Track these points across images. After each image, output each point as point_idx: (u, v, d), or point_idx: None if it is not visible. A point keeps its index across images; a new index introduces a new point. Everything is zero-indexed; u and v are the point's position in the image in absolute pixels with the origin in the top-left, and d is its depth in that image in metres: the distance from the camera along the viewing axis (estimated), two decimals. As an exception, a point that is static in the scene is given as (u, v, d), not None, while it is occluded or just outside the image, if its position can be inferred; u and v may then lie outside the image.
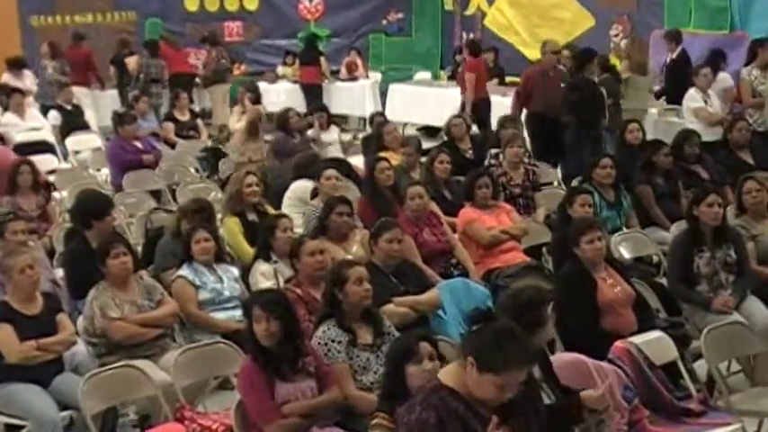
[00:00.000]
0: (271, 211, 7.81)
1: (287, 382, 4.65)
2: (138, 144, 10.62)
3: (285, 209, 8.24)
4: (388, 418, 4.10)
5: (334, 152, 11.11)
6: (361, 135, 12.83)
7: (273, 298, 4.85)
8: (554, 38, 15.73)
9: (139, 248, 7.19)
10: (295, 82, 16.56)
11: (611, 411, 4.67)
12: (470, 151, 10.05)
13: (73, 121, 12.95)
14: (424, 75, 17.69)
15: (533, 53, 16.39)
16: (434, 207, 7.54)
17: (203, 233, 6.43)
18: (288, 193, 8.59)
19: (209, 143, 12.15)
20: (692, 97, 10.50)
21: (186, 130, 12.53)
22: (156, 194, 9.60)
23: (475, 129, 11.62)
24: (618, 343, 5.13)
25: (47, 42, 15.33)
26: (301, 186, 8.52)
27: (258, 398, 4.61)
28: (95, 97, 15.33)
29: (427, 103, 14.96)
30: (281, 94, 16.44)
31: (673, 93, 11.83)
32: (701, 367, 5.64)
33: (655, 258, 7.50)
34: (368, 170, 8.38)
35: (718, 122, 10.17)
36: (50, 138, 12.49)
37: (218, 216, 7.53)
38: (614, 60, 12.69)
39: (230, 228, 7.44)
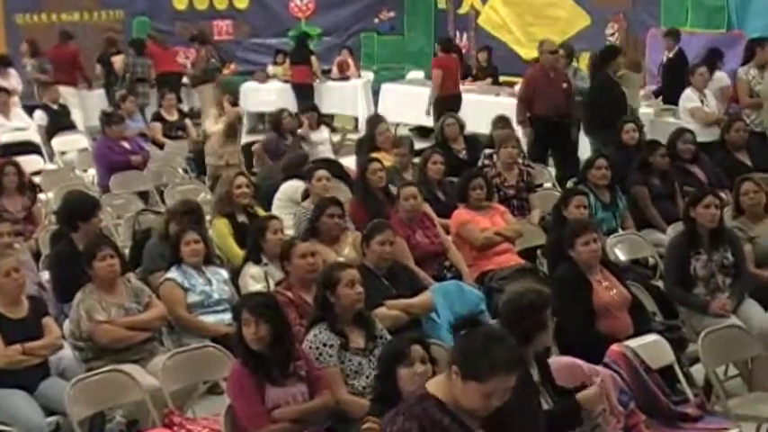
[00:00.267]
0: (261, 212, 7.81)
1: (277, 387, 4.64)
2: (126, 144, 10.60)
3: (275, 210, 8.24)
4: (380, 421, 4.10)
5: (325, 152, 11.10)
6: (349, 135, 12.82)
7: (263, 301, 4.84)
8: (549, 37, 15.84)
9: (127, 251, 7.18)
10: (286, 81, 16.53)
11: (606, 416, 4.67)
12: (464, 152, 10.05)
13: (59, 121, 12.94)
14: (417, 74, 17.67)
15: (527, 52, 16.42)
16: (427, 208, 7.55)
17: (193, 235, 6.42)
18: (278, 194, 8.59)
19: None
20: (689, 97, 10.50)
21: (174, 130, 12.51)
22: (143, 196, 9.60)
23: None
24: (614, 346, 5.14)
25: (26, 40, 15.29)
26: (291, 187, 8.53)
27: (248, 403, 4.60)
28: (82, 97, 15.30)
29: (420, 102, 14.90)
30: (271, 94, 16.43)
31: (669, 92, 11.84)
32: (697, 371, 5.65)
33: (651, 260, 7.51)
34: (360, 171, 8.38)
35: (714, 122, 10.17)
36: (36, 138, 12.47)
37: (207, 218, 7.52)
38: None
39: (220, 229, 7.44)
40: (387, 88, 16.32)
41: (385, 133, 9.98)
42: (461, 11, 18.18)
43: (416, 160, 9.05)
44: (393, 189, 7.93)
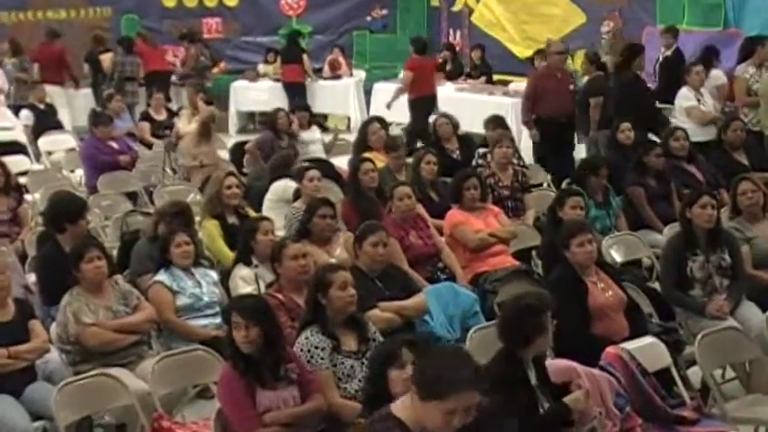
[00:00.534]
0: (251, 213, 7.80)
1: (268, 390, 4.64)
2: (114, 144, 10.59)
3: (266, 211, 8.24)
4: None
5: (316, 152, 11.10)
6: (342, 135, 12.82)
7: (253, 304, 4.84)
8: (543, 34, 15.87)
9: (115, 252, 7.16)
10: (277, 80, 16.53)
11: (602, 419, 4.68)
12: (457, 152, 10.06)
13: (46, 121, 12.92)
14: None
15: (521, 50, 16.48)
16: (421, 209, 7.54)
17: (183, 236, 6.41)
18: (268, 195, 8.59)
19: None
20: (685, 96, 10.50)
21: (163, 129, 12.49)
22: (132, 196, 9.59)
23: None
24: (610, 349, 5.15)
25: (8, 39, 15.24)
26: (281, 186, 8.53)
27: (238, 406, 4.60)
28: (69, 96, 15.28)
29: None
30: (262, 93, 16.43)
31: (666, 91, 11.84)
32: (694, 374, 5.67)
33: (647, 262, 7.52)
34: (352, 171, 8.38)
35: (711, 121, 10.19)
36: (22, 138, 12.46)
37: (197, 219, 7.51)
38: (605, 57, 12.74)
39: (210, 231, 7.43)
40: (379, 87, 16.33)
41: (377, 133, 9.98)
42: (455, 8, 18.22)
43: (409, 160, 9.04)
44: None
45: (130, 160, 10.51)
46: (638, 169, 8.37)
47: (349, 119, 16.60)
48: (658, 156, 8.40)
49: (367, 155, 9.07)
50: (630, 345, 5.26)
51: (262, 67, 17.27)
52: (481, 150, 9.61)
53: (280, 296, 5.72)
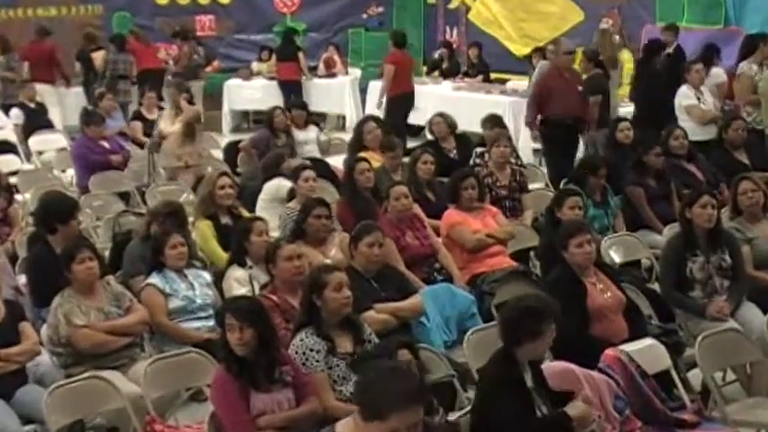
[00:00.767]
0: (245, 213, 7.80)
1: (263, 393, 4.64)
2: (106, 144, 10.57)
3: (260, 211, 8.24)
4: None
5: (312, 152, 11.09)
6: (336, 134, 12.83)
7: (248, 305, 4.84)
8: (541, 32, 15.89)
9: (106, 253, 7.16)
10: (271, 78, 16.53)
11: (601, 423, 4.68)
12: (454, 151, 10.06)
13: (36, 120, 12.91)
14: (406, 71, 17.67)
15: (519, 48, 16.49)
16: (417, 209, 7.55)
17: (178, 237, 6.40)
18: (261, 195, 8.60)
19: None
20: (685, 94, 10.51)
21: (155, 129, 12.47)
22: (124, 196, 9.58)
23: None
24: (609, 351, 5.15)
25: None
26: (274, 185, 8.54)
27: (232, 410, 4.60)
28: (60, 95, 15.27)
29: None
30: (256, 92, 16.43)
31: (667, 90, 11.82)
32: (695, 376, 5.66)
33: (647, 262, 7.53)
34: (347, 171, 8.38)
35: (711, 120, 10.20)
36: (12, 137, 12.44)
37: (190, 219, 7.50)
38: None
39: (203, 231, 7.42)
40: (375, 86, 16.26)
41: (373, 132, 9.98)
42: (451, 6, 18.23)
43: (406, 160, 9.04)
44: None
45: (122, 160, 10.50)
46: (638, 169, 8.38)
47: (344, 118, 16.59)
48: (658, 155, 8.40)
49: (362, 154, 9.06)
50: (630, 347, 5.26)
51: (255, 66, 17.27)
52: (478, 150, 9.61)
53: (274, 298, 5.72)
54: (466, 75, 16.14)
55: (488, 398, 4.49)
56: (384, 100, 13.41)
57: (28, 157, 12.14)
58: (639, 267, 7.52)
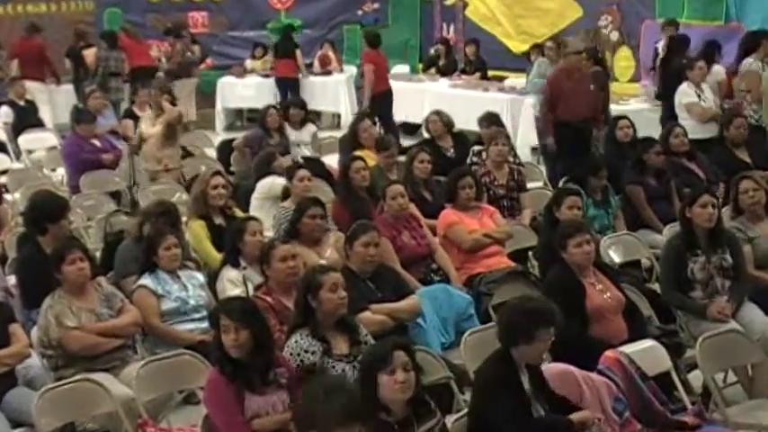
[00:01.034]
0: (239, 213, 7.79)
1: (257, 396, 4.64)
2: (97, 142, 10.56)
3: (253, 211, 8.24)
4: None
5: (306, 151, 11.09)
6: (330, 133, 12.84)
7: (243, 306, 4.84)
8: (539, 29, 15.90)
9: (98, 254, 7.15)
10: (265, 76, 16.52)
11: (601, 425, 4.69)
12: (451, 150, 10.06)
13: (26, 118, 12.89)
14: (402, 68, 17.69)
15: (517, 45, 16.49)
16: (413, 209, 7.54)
17: (172, 239, 6.40)
18: (255, 194, 8.60)
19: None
20: (685, 92, 10.50)
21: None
22: (115, 196, 9.56)
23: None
24: (608, 352, 5.15)
25: None
26: (267, 183, 8.55)
27: (226, 412, 4.59)
28: (51, 92, 15.25)
29: (405, 98, 14.95)
30: (249, 89, 16.43)
31: (667, 87, 11.81)
32: (695, 378, 5.67)
33: (647, 263, 7.53)
34: (342, 170, 8.37)
35: (711, 118, 10.20)
36: (2, 136, 12.43)
37: (183, 219, 7.50)
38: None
39: (196, 232, 7.41)
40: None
41: (368, 130, 9.97)
42: (448, 2, 18.22)
43: (402, 158, 9.03)
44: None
45: (114, 159, 10.47)
46: (637, 167, 8.38)
47: (339, 116, 16.59)
48: (658, 153, 8.40)
49: (358, 153, 9.06)
50: (629, 348, 5.27)
51: (249, 63, 17.25)
52: (476, 148, 9.60)
53: (268, 299, 5.72)
54: (463, 72, 16.13)
55: (485, 398, 4.49)
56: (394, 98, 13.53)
57: (17, 155, 12.13)
58: (639, 267, 7.52)
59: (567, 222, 6.42)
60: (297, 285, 5.30)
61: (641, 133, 9.35)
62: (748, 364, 5.71)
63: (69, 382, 5.17)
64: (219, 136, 14.38)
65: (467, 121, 11.37)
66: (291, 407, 3.78)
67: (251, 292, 6.17)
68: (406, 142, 11.74)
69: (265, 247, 6.00)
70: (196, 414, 5.08)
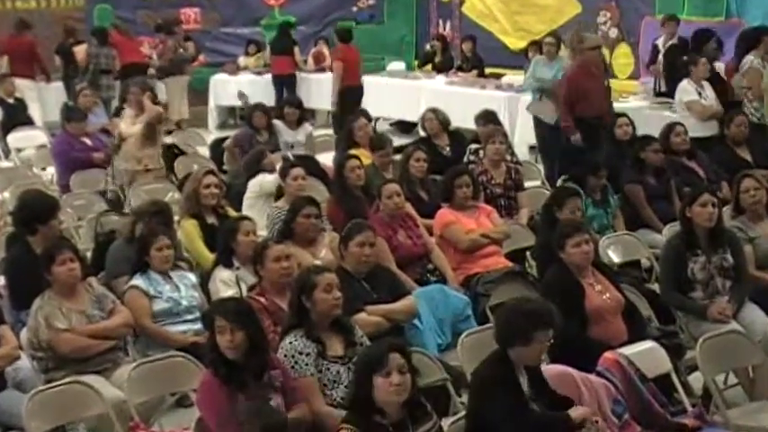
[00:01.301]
0: (232, 213, 7.79)
1: (251, 398, 4.63)
2: (87, 141, 10.54)
3: (246, 210, 8.24)
4: (354, 429, 4.11)
5: (301, 152, 11.07)
6: (324, 131, 12.84)
7: (237, 307, 4.84)
8: (536, 26, 15.90)
9: (89, 254, 7.14)
10: (258, 73, 16.51)
11: (600, 427, 4.69)
12: (448, 148, 10.05)
13: (15, 116, 12.87)
14: (398, 65, 17.69)
15: (514, 42, 16.50)
16: (409, 208, 7.54)
17: (165, 239, 6.38)
18: (247, 193, 8.59)
19: (167, 139, 12.00)
20: (685, 90, 10.49)
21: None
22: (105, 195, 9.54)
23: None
24: (607, 354, 5.16)
25: None
26: (257, 181, 8.56)
27: (219, 415, 4.59)
28: (40, 90, 15.22)
29: (401, 96, 14.95)
30: (242, 87, 16.39)
31: (669, 84, 11.81)
32: (696, 380, 5.69)
33: (646, 263, 7.53)
34: (337, 169, 8.37)
35: (712, 116, 10.20)
36: (-10, 134, 12.41)
37: (176, 218, 7.49)
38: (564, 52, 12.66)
39: (188, 231, 7.41)
40: (366, 81, 16.28)
41: (364, 128, 9.97)
42: (445, -2, 18.24)
43: (397, 157, 9.03)
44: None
45: (105, 157, 10.44)
46: (637, 166, 8.38)
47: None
48: (656, 151, 8.39)
49: (353, 151, 9.06)
50: (629, 349, 5.28)
51: (242, 60, 17.24)
52: (473, 147, 9.60)
53: (262, 299, 5.72)
54: (459, 69, 16.13)
55: (482, 397, 4.50)
56: (391, 96, 13.56)
57: (6, 154, 12.12)
58: (639, 267, 7.53)
59: (566, 222, 6.42)
60: (291, 286, 5.31)
61: (641, 131, 9.35)
62: (749, 365, 5.72)
63: (60, 385, 5.16)
64: (212, 134, 14.40)
65: (463, 119, 11.36)
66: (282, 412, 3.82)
67: (244, 292, 6.17)
68: (402, 140, 11.72)
69: (259, 248, 6.00)
70: (189, 417, 5.08)
